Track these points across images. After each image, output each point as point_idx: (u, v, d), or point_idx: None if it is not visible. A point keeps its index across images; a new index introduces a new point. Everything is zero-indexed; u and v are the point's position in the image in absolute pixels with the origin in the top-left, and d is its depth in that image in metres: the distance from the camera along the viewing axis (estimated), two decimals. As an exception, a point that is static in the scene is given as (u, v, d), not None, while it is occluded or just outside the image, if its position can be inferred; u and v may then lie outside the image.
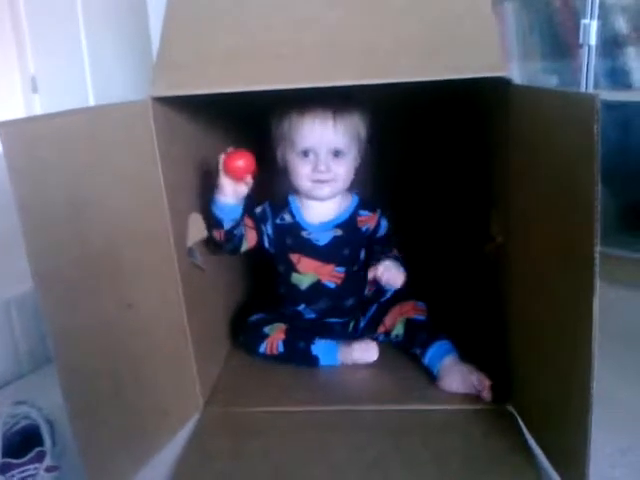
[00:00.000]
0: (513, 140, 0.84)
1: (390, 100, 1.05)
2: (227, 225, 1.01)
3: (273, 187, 1.13)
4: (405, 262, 1.08)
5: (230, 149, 0.97)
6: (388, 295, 1.14)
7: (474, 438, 0.86)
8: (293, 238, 1.10)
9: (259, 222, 1.10)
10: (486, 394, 0.93)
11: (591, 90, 1.29)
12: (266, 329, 1.10)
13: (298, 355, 1.08)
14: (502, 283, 0.94)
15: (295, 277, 1.11)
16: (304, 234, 1.10)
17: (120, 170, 0.81)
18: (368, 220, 1.12)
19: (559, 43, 1.46)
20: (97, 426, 0.77)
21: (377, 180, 1.23)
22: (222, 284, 1.17)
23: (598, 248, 0.61)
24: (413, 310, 1.10)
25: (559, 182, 0.70)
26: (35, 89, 2.98)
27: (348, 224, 1.10)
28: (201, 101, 0.88)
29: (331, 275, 1.11)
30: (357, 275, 1.12)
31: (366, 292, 1.16)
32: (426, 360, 1.02)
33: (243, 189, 0.99)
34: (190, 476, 0.83)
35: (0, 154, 0.64)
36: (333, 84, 0.82)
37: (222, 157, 0.96)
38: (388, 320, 1.11)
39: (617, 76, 1.39)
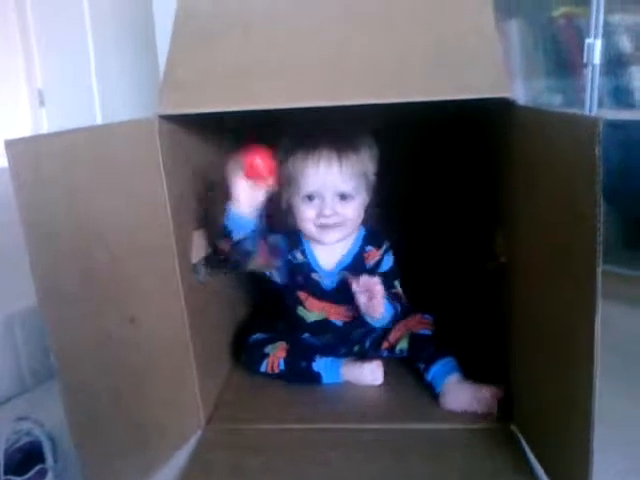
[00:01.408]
0: (516, 160, 0.84)
1: (393, 118, 1.05)
2: (236, 236, 0.95)
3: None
4: (409, 280, 1.08)
5: (248, 147, 0.91)
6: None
7: (475, 456, 0.86)
8: (303, 277, 1.07)
9: (272, 251, 1.04)
10: (493, 406, 0.93)
11: (595, 109, 1.30)
12: (267, 348, 1.09)
13: (300, 373, 1.06)
14: (504, 301, 0.94)
15: (301, 311, 1.10)
16: (314, 276, 1.07)
17: (125, 187, 0.82)
18: (373, 256, 1.07)
19: (563, 61, 1.47)
20: (99, 442, 0.77)
21: (382, 201, 1.22)
22: (225, 300, 1.18)
23: (600, 268, 0.61)
24: (419, 324, 1.08)
25: (561, 203, 0.70)
26: (42, 103, 3.01)
27: (356, 263, 1.06)
28: (207, 119, 0.89)
29: (339, 314, 1.09)
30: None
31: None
32: (429, 376, 1.01)
33: (260, 195, 0.93)
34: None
35: (3, 169, 0.65)
36: (337, 103, 0.82)
37: (240, 157, 0.90)
38: (393, 336, 1.10)
39: (621, 95, 1.39)
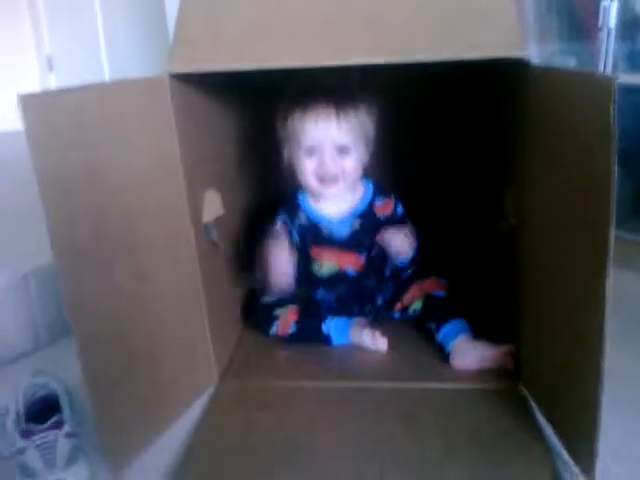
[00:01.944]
0: (529, 120, 0.84)
1: (403, 78, 1.05)
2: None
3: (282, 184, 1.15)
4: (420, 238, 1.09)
5: None
6: (408, 272, 1.14)
7: (483, 416, 0.87)
8: (313, 236, 1.10)
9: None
10: (510, 362, 0.94)
11: (609, 73, 1.28)
12: (277, 311, 1.10)
13: (310, 335, 1.08)
14: (515, 262, 0.94)
15: (315, 267, 1.12)
16: (324, 229, 1.10)
17: (137, 144, 0.82)
18: (385, 208, 1.11)
19: (578, 25, 1.45)
20: (113, 395, 0.79)
21: (392, 161, 1.23)
22: (237, 258, 1.19)
23: (613, 229, 0.61)
24: (435, 286, 1.09)
25: (575, 163, 0.70)
26: (51, 68, 3.00)
27: (366, 214, 1.10)
28: (217, 77, 0.89)
29: (352, 263, 1.11)
30: (376, 258, 1.11)
31: (387, 272, 1.15)
32: (440, 336, 1.02)
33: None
34: (203, 447, 0.84)
35: (17, 132, 0.66)
36: (347, 63, 0.82)
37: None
38: (407, 297, 1.11)
39: (636, 59, 1.37)
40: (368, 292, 1.14)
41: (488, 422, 0.86)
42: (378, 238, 1.06)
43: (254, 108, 1.24)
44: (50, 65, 2.99)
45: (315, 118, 1.00)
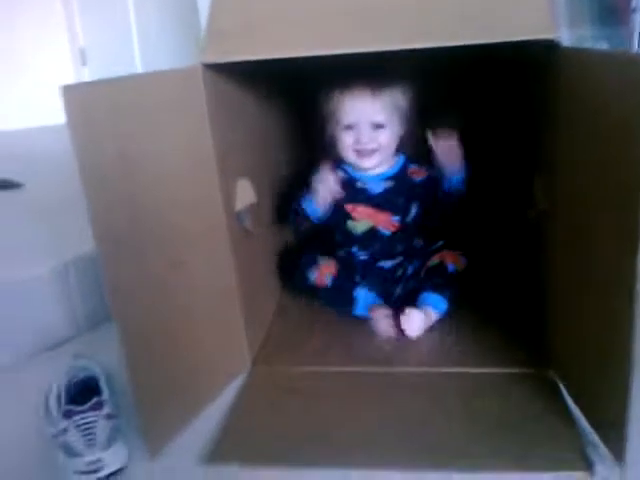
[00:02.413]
0: (562, 103, 0.83)
1: (434, 62, 1.05)
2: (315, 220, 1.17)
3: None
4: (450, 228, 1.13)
5: None
6: (438, 244, 1.18)
7: (513, 400, 0.88)
8: (348, 190, 1.15)
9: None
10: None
11: (643, 55, 1.26)
12: (319, 259, 1.17)
13: (340, 293, 1.15)
14: (544, 248, 0.94)
15: (350, 224, 1.18)
16: (358, 184, 1.17)
17: (171, 134, 0.84)
18: (418, 172, 1.18)
19: (610, 8, 1.43)
20: (151, 379, 0.82)
21: (422, 145, 1.23)
22: (271, 248, 1.21)
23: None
24: (452, 258, 1.14)
25: (610, 144, 0.69)
26: (84, 62, 3.04)
27: (399, 176, 1.17)
28: (249, 68, 0.90)
29: (387, 223, 1.17)
30: (411, 227, 1.18)
31: (416, 243, 1.20)
32: (418, 299, 1.10)
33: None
34: (236, 429, 0.87)
35: (60, 125, 0.68)
36: (378, 49, 0.82)
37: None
38: (430, 262, 1.16)
39: (670, 42, 1.34)
40: (398, 253, 1.19)
41: (517, 406, 0.86)
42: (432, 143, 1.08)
43: (285, 96, 1.26)
44: (83, 59, 3.04)
45: (352, 98, 1.09)
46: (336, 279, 1.15)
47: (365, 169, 1.15)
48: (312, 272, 1.16)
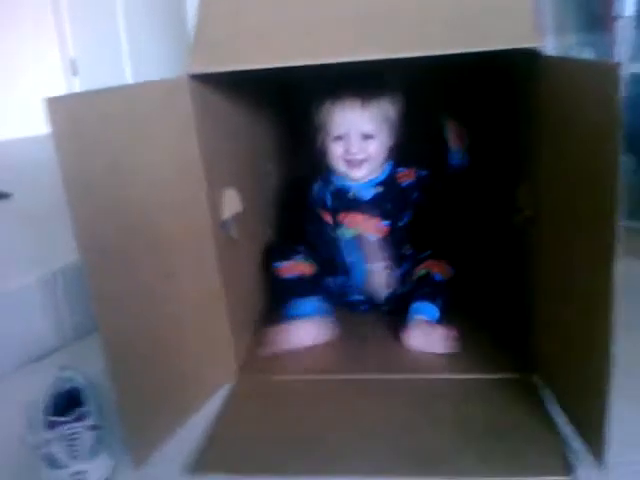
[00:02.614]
0: (543, 112, 0.84)
1: (419, 70, 1.06)
2: None
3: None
4: (435, 234, 1.16)
5: None
6: (427, 253, 1.18)
7: (498, 406, 0.88)
8: (340, 200, 1.18)
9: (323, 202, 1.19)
10: (452, 344, 1.02)
11: (627, 63, 1.27)
12: (297, 256, 1.18)
13: (294, 291, 1.15)
14: (530, 254, 0.95)
15: (339, 231, 1.18)
16: (350, 195, 1.17)
17: (158, 144, 0.84)
18: (407, 175, 1.19)
19: (595, 15, 1.44)
20: (136, 389, 0.81)
21: (407, 154, 1.24)
22: (258, 255, 1.21)
23: (620, 216, 0.62)
24: (438, 268, 1.14)
25: (584, 153, 0.70)
26: (75, 72, 3.05)
27: (388, 181, 1.18)
28: (237, 78, 0.90)
29: (375, 228, 1.17)
30: (401, 232, 1.19)
31: (406, 250, 1.20)
32: (409, 310, 1.09)
33: None
34: (222, 438, 0.86)
35: (48, 135, 0.68)
36: (363, 58, 0.83)
37: None
38: (417, 268, 1.17)
39: (654, 49, 1.35)
40: (388, 260, 1.19)
41: (503, 412, 0.87)
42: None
43: (270, 104, 1.26)
44: (74, 69, 3.04)
45: (342, 109, 1.10)
46: (299, 278, 1.16)
47: (355, 179, 1.16)
48: (281, 262, 1.17)
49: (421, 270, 1.15)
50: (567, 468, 0.75)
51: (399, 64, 0.82)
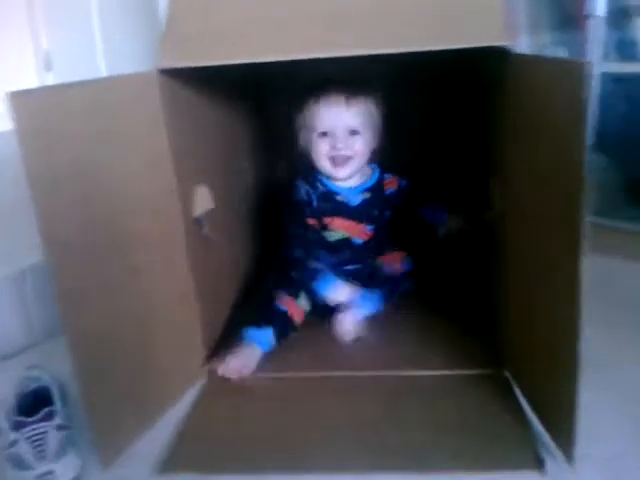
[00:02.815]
0: (512, 110, 0.85)
1: (393, 68, 1.07)
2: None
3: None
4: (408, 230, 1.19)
5: None
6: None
7: (469, 401, 0.89)
8: (328, 203, 1.17)
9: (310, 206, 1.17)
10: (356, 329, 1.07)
11: (599, 62, 1.28)
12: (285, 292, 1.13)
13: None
14: (497, 251, 0.95)
15: (326, 233, 1.19)
16: (338, 198, 1.17)
17: (126, 139, 0.83)
18: (391, 183, 1.22)
19: (567, 14, 1.45)
20: (104, 388, 0.80)
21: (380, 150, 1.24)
22: (229, 252, 1.20)
23: (586, 212, 0.62)
24: (389, 259, 1.20)
25: (551, 152, 0.71)
26: (49, 67, 3.00)
27: (376, 188, 1.19)
28: (206, 73, 0.89)
29: (361, 232, 1.19)
30: (382, 232, 1.22)
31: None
32: None
33: None
34: (192, 436, 0.86)
35: (8, 131, 0.67)
36: (334, 55, 0.82)
37: None
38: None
39: (625, 48, 1.37)
40: (366, 259, 1.22)
41: (472, 408, 0.87)
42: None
43: (244, 102, 1.25)
44: (48, 64, 2.99)
45: (327, 105, 1.10)
46: (288, 317, 1.10)
47: (339, 179, 1.15)
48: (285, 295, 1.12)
49: (376, 262, 1.18)
50: (537, 462, 0.75)
51: (378, 59, 0.82)
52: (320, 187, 1.17)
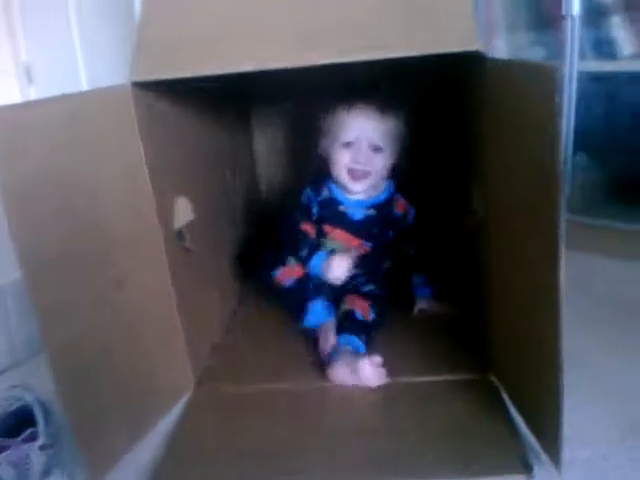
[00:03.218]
0: (488, 114, 0.85)
1: (369, 75, 1.06)
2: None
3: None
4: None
5: None
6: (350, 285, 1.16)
7: (456, 407, 0.88)
8: (330, 211, 1.16)
9: (308, 212, 1.16)
10: (378, 372, 0.94)
11: (576, 62, 1.28)
12: (289, 259, 1.16)
13: (297, 298, 1.14)
14: (481, 255, 0.95)
15: (322, 241, 1.17)
16: (341, 208, 1.16)
17: (102, 153, 0.82)
18: (401, 206, 1.20)
19: (544, 14, 1.46)
20: (88, 404, 0.79)
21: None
22: (212, 265, 1.19)
23: (562, 213, 0.62)
24: (359, 305, 1.10)
25: (528, 153, 0.71)
26: (31, 80, 2.98)
27: (383, 205, 1.17)
28: (181, 83, 0.89)
29: (358, 246, 1.17)
30: (381, 249, 1.20)
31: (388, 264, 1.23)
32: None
33: None
34: (180, 450, 0.85)
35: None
36: (307, 64, 0.82)
37: None
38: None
39: (602, 47, 1.37)
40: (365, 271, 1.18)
41: (460, 413, 0.87)
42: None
43: (216, 111, 1.25)
44: (29, 77, 2.98)
45: (359, 116, 1.07)
46: (299, 282, 1.15)
47: (353, 192, 1.13)
48: (278, 269, 1.16)
49: (344, 306, 1.10)
50: (525, 467, 0.75)
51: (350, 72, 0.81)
52: (325, 192, 1.15)
